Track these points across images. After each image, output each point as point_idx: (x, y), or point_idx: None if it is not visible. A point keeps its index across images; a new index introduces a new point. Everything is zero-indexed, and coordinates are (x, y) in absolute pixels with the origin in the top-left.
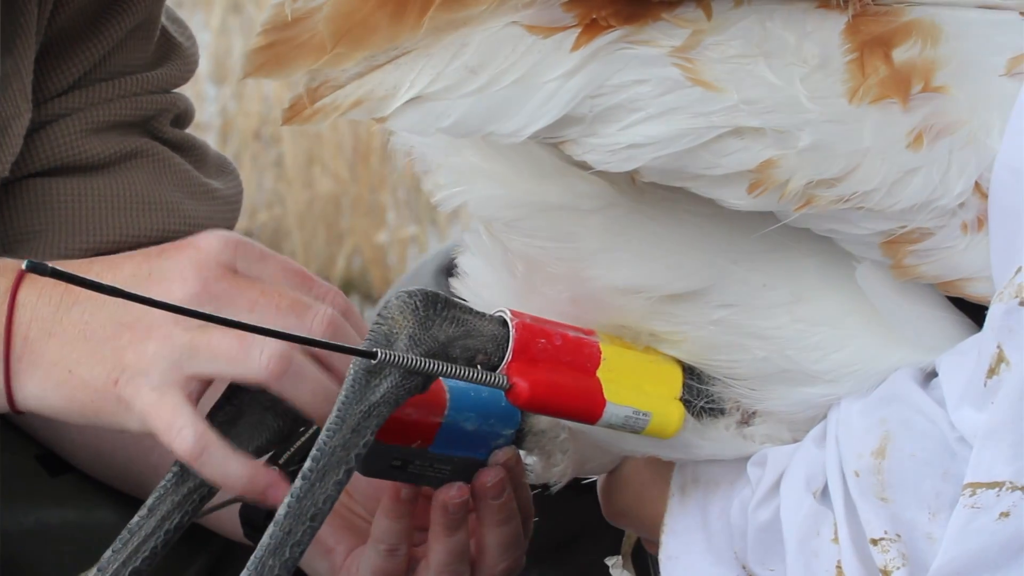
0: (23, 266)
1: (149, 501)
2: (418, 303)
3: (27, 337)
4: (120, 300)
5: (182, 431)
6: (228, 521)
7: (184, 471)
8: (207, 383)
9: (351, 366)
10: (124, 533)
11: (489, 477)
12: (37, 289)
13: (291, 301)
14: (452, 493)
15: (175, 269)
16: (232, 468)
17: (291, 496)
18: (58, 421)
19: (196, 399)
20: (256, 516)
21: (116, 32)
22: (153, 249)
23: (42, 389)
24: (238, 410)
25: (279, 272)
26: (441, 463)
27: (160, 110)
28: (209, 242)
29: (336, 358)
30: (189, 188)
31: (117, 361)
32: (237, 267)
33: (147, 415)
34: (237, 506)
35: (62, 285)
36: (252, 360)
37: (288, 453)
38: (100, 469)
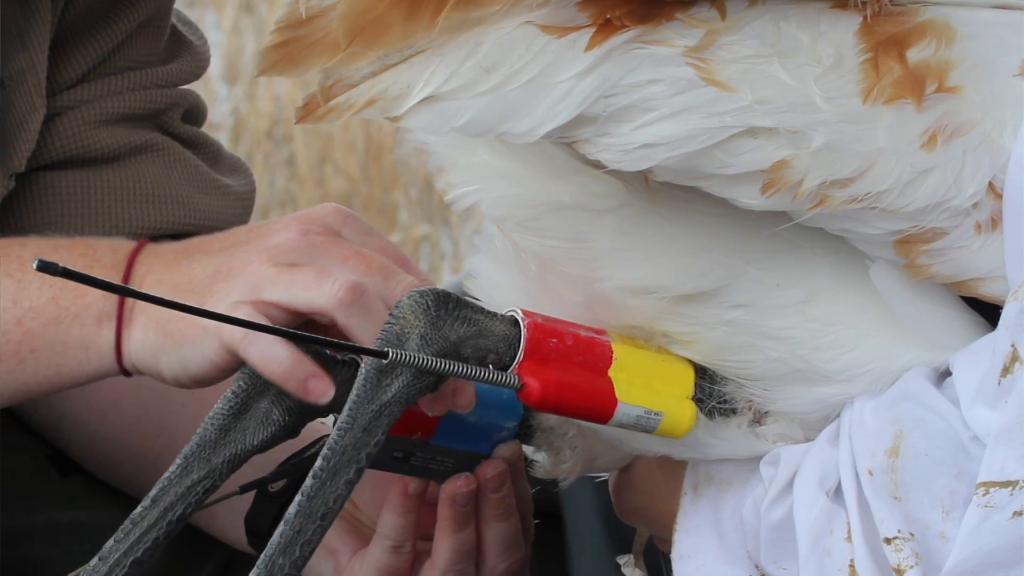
0: (34, 265)
1: (152, 492)
2: (430, 303)
3: (141, 287)
4: (228, 249)
5: (236, 316)
6: (232, 530)
7: (188, 463)
8: (285, 313)
9: (362, 366)
10: (126, 523)
11: (490, 469)
12: (155, 253)
13: (381, 264)
14: (460, 483)
15: (283, 223)
16: (278, 351)
17: (302, 495)
18: (68, 423)
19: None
20: (261, 525)
21: (125, 26)
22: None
23: (144, 331)
24: (244, 404)
25: (381, 248)
26: (443, 456)
27: (170, 104)
28: (322, 207)
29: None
30: (199, 182)
31: (207, 291)
32: (342, 232)
33: (213, 323)
34: (243, 515)
35: (180, 249)
36: (325, 288)
37: (296, 460)
38: (107, 473)
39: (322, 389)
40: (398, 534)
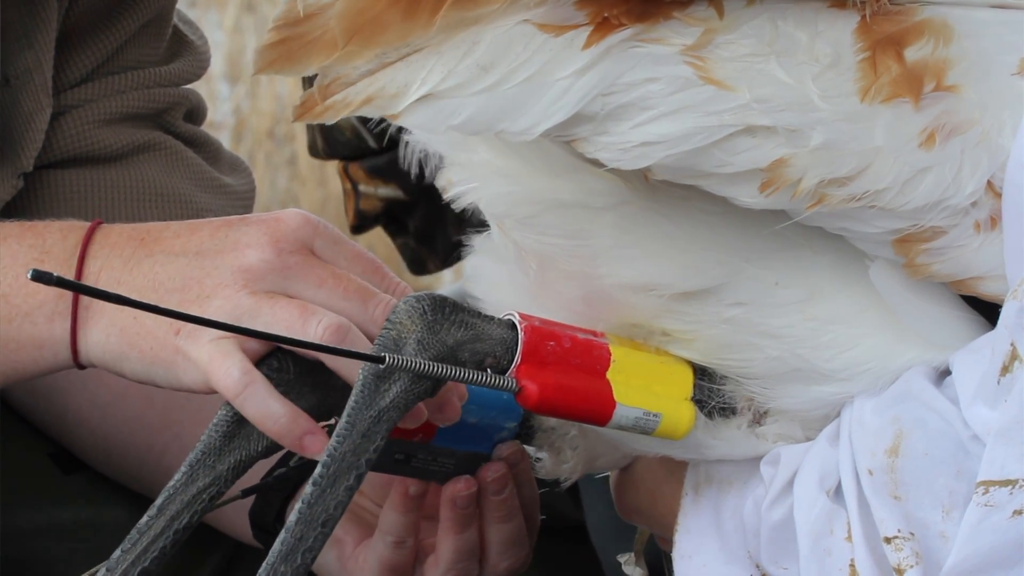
0: (29, 275)
1: (158, 501)
2: (426, 307)
3: (96, 285)
4: (192, 256)
5: (229, 368)
6: (240, 525)
7: (193, 470)
8: (265, 348)
9: (360, 371)
10: (133, 533)
11: (491, 472)
12: (109, 244)
13: (358, 287)
14: (460, 486)
15: (253, 236)
16: (274, 407)
17: (302, 502)
18: (70, 419)
19: (252, 360)
20: (266, 519)
21: (128, 26)
22: (234, 217)
23: (106, 335)
24: None
25: (353, 258)
26: (444, 457)
27: (172, 103)
28: (290, 216)
29: None
30: (201, 182)
31: (177, 308)
32: (314, 246)
33: (201, 362)
34: (247, 508)
35: (136, 240)
36: (308, 330)
37: (298, 461)
38: (111, 469)
39: (318, 446)
40: (399, 531)
